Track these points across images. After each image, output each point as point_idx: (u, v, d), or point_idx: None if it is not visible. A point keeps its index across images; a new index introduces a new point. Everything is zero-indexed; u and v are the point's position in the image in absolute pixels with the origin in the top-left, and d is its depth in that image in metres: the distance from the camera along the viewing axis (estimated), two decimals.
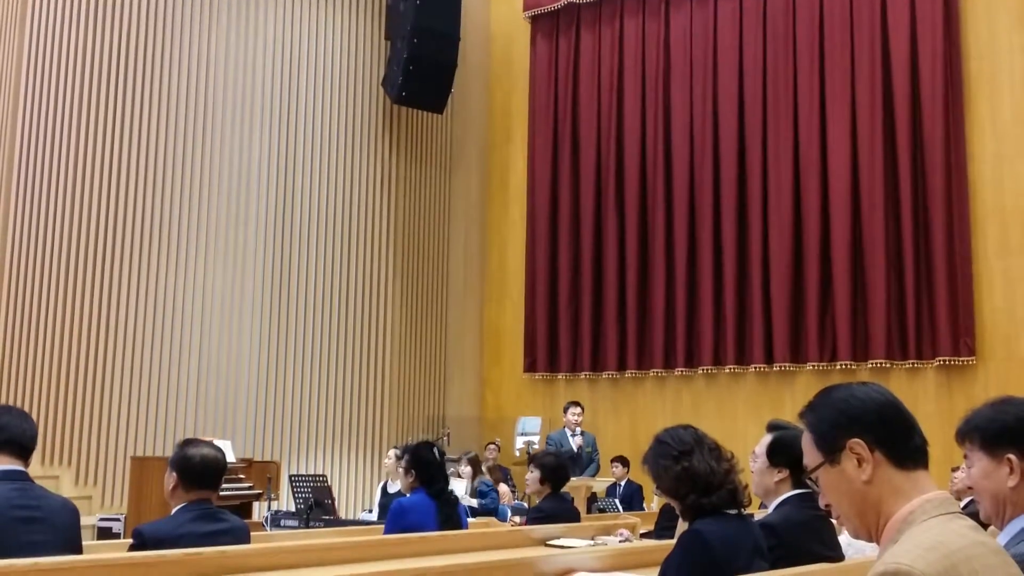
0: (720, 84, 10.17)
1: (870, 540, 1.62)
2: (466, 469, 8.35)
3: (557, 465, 5.32)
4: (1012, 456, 1.95)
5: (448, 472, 5.93)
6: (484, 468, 8.71)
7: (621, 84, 10.86)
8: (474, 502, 7.71)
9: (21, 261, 8.28)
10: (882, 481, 1.55)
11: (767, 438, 3.16)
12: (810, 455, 1.65)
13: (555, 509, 5.12)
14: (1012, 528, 1.94)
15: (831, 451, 1.60)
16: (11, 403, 7.29)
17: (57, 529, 3.03)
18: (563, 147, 11.14)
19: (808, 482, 1.70)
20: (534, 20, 11.63)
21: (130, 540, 3.29)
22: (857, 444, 1.57)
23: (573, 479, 7.64)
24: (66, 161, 8.55)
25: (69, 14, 8.68)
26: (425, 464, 4.55)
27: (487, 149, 11.97)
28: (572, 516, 5.32)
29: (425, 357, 11.09)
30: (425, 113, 11.12)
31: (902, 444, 1.58)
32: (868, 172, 9.20)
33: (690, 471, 2.80)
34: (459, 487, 7.70)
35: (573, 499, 7.28)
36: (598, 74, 11.05)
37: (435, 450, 4.63)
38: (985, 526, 1.94)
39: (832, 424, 1.61)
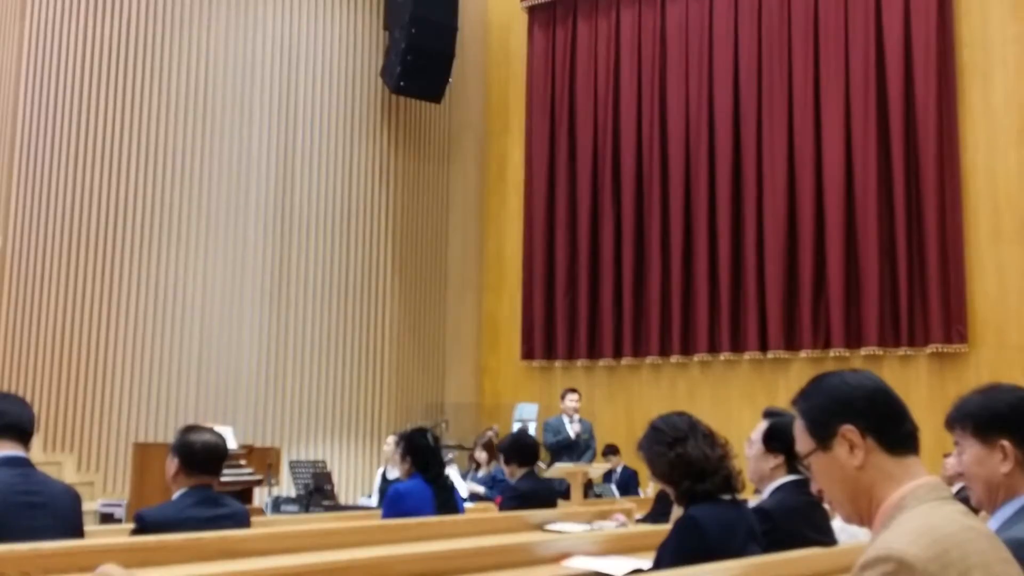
0: (715, 74, 10.17)
1: (862, 525, 1.63)
2: (481, 455, 8.30)
3: (513, 441, 5.42)
4: (1005, 443, 1.95)
5: (446, 459, 5.98)
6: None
7: (618, 74, 10.86)
8: (481, 489, 7.61)
9: (22, 248, 8.29)
10: (874, 467, 1.57)
11: (763, 424, 3.20)
12: (802, 442, 1.67)
13: (528, 487, 5.18)
14: (1003, 513, 1.95)
15: (823, 437, 1.62)
16: (13, 390, 7.32)
17: (59, 514, 3.06)
18: (560, 137, 11.14)
19: (801, 468, 1.74)
20: (531, 11, 11.60)
21: (132, 525, 3.32)
22: (849, 430, 1.59)
23: (569, 465, 7.69)
24: (67, 148, 8.55)
25: (69, 5, 8.65)
26: (420, 450, 4.59)
27: (484, 139, 11.97)
28: (547, 494, 5.35)
29: (424, 344, 11.12)
30: (423, 103, 11.10)
31: (893, 430, 1.60)
32: (862, 161, 9.23)
33: (684, 457, 2.84)
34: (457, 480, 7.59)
35: (570, 486, 7.34)
36: (595, 64, 11.04)
37: (429, 435, 4.67)
38: (976, 512, 1.97)
39: (824, 411, 1.63)
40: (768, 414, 3.24)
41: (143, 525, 3.21)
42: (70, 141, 8.55)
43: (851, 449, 1.59)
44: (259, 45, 9.88)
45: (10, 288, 8.19)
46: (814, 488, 1.69)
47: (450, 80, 10.79)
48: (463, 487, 7.50)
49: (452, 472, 7.68)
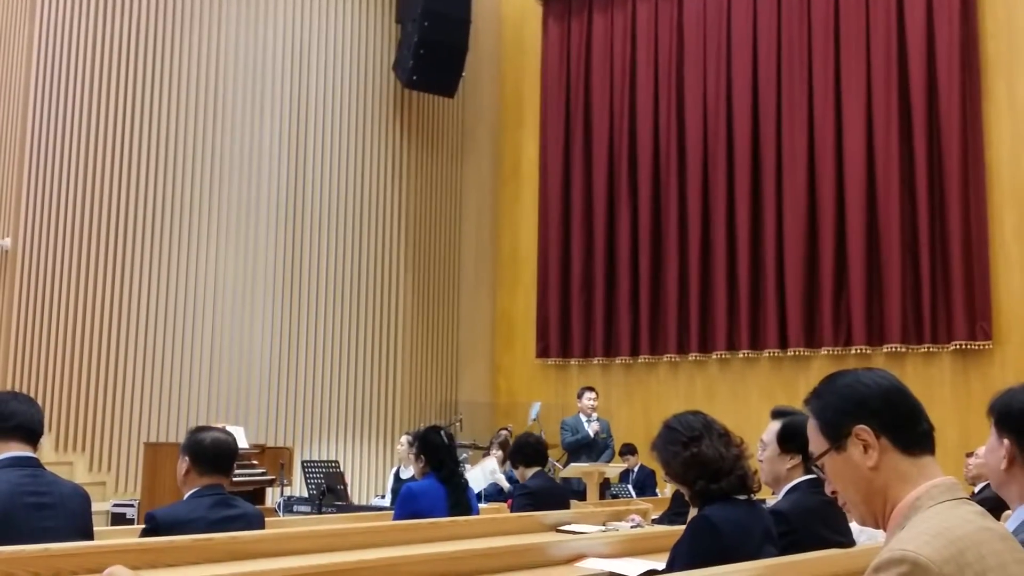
0: (734, 67, 10.07)
1: (877, 527, 1.61)
2: (498, 453, 8.28)
3: (515, 444, 5.50)
4: (1007, 441, 1.99)
5: (461, 458, 5.95)
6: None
7: (634, 67, 10.78)
8: (507, 485, 7.57)
9: (33, 249, 8.33)
10: (888, 467, 1.55)
11: (775, 425, 3.15)
12: (816, 442, 1.65)
13: (538, 486, 5.21)
14: (1020, 514, 1.96)
15: (837, 438, 1.60)
16: (24, 390, 7.36)
17: (68, 515, 3.06)
18: (575, 131, 11.07)
19: (814, 469, 1.69)
20: (546, 3, 11.54)
21: (143, 526, 3.31)
22: (863, 430, 1.56)
23: (586, 464, 7.64)
24: (77, 148, 8.58)
25: (78, 4, 8.69)
26: (433, 448, 4.56)
27: (498, 133, 11.92)
28: (559, 493, 5.40)
29: (437, 343, 11.10)
30: (436, 97, 11.08)
31: (908, 430, 1.57)
32: (884, 155, 9.11)
33: (699, 457, 2.80)
34: (479, 471, 7.55)
35: (586, 487, 7.29)
36: (611, 57, 10.97)
37: (442, 433, 4.64)
38: (996, 512, 1.94)
39: (837, 410, 1.60)
40: (778, 414, 3.19)
41: (154, 524, 3.20)
42: (80, 140, 8.59)
43: (865, 449, 1.57)
44: (270, 40, 9.89)
45: (21, 289, 8.23)
46: (828, 489, 1.66)
47: (463, 74, 10.76)
48: (499, 479, 7.46)
49: (490, 462, 7.65)
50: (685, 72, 10.41)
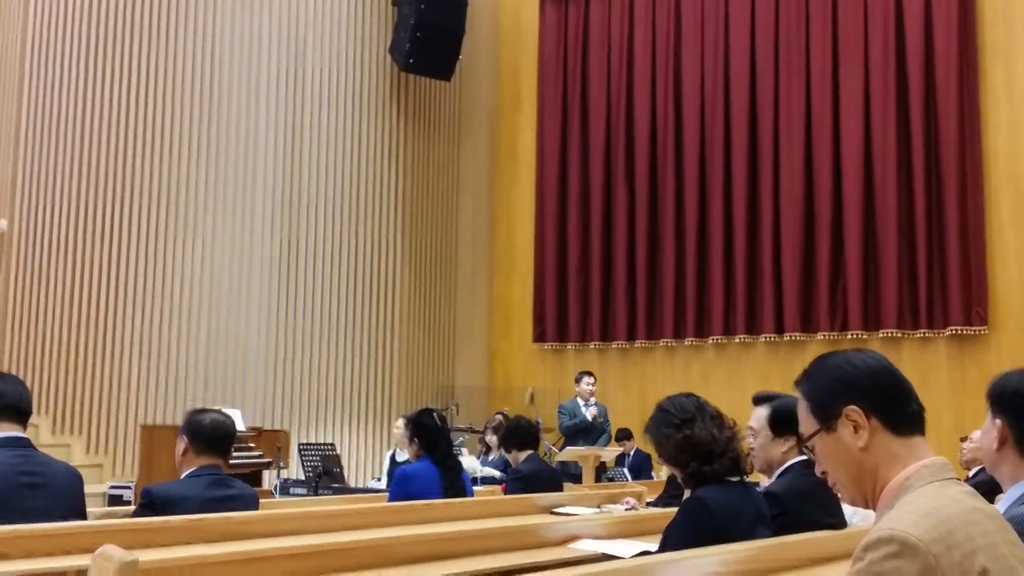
0: (731, 51, 10.05)
1: (866, 507, 1.61)
2: (492, 438, 8.28)
3: (506, 428, 5.54)
4: (999, 421, 2.02)
5: (456, 443, 5.96)
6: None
7: (631, 51, 10.74)
8: (497, 473, 7.59)
9: (30, 230, 8.32)
10: (878, 448, 1.54)
11: (762, 410, 3.14)
12: (806, 423, 1.65)
13: (530, 469, 5.23)
14: (1012, 494, 1.98)
15: (827, 418, 1.59)
16: (21, 372, 7.36)
17: (60, 495, 3.06)
18: (572, 115, 11.04)
19: (804, 450, 1.69)
20: None
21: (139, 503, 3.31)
22: (853, 411, 1.56)
23: (582, 448, 7.65)
24: (74, 129, 8.56)
25: None
26: (427, 430, 4.56)
27: (495, 117, 11.88)
28: (551, 475, 5.42)
29: (434, 327, 11.10)
30: (433, 81, 11.03)
31: (899, 410, 1.56)
32: (881, 140, 9.10)
33: (692, 439, 2.80)
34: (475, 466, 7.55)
35: (582, 470, 7.31)
36: (608, 40, 10.92)
37: (436, 416, 4.64)
38: (990, 496, 1.94)
39: (828, 391, 1.60)
40: (761, 399, 3.19)
41: (150, 499, 3.21)
42: (77, 123, 8.56)
43: (856, 430, 1.57)
44: (266, 22, 9.83)
45: (18, 270, 8.23)
46: (818, 470, 1.66)
47: (460, 57, 10.70)
48: (481, 472, 7.47)
49: (469, 460, 7.65)
50: (683, 56, 10.38)
